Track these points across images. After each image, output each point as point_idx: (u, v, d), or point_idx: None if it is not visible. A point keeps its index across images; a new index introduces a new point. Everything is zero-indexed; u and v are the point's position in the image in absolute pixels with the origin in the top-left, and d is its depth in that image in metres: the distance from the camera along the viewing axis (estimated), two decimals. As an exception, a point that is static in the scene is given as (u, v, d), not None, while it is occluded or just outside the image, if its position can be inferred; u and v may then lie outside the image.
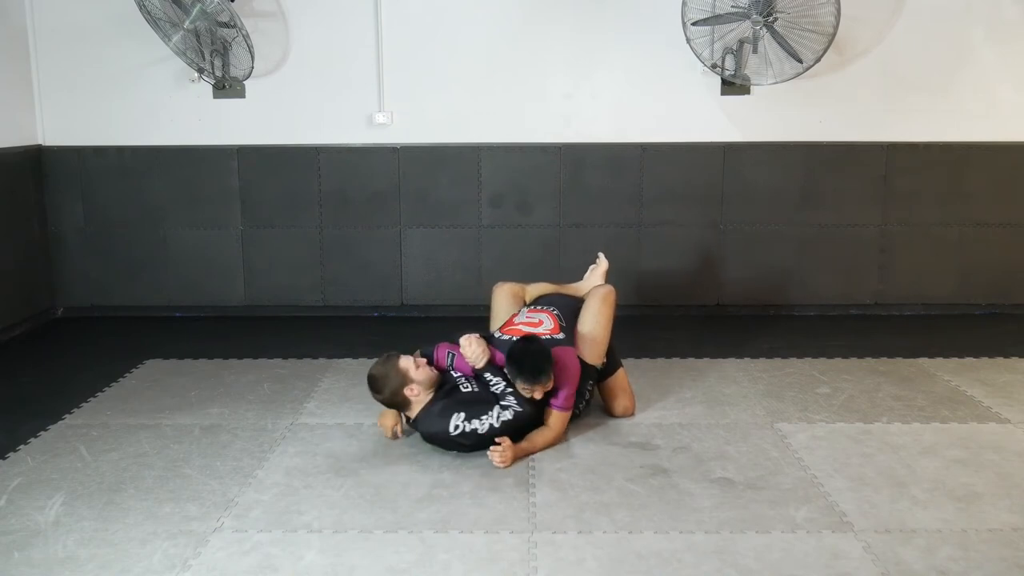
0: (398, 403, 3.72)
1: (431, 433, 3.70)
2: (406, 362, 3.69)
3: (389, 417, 3.86)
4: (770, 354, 5.02)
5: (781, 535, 3.05)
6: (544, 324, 3.96)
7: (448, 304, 5.95)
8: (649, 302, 5.93)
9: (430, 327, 5.69)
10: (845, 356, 4.98)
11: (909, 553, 2.94)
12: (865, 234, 5.87)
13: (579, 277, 5.93)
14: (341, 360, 4.96)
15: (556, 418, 3.78)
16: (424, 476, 3.52)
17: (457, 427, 3.60)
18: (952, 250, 5.89)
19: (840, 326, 5.66)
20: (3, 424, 4.06)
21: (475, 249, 5.90)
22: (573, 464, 3.62)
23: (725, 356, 5.01)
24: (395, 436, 3.85)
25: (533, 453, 3.70)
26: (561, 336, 3.90)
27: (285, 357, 5.01)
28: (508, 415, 3.63)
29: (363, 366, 4.83)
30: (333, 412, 4.20)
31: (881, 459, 3.65)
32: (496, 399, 3.67)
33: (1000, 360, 4.91)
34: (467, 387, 3.75)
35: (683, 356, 5.00)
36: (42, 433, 3.95)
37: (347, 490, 3.40)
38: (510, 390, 3.68)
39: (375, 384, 3.71)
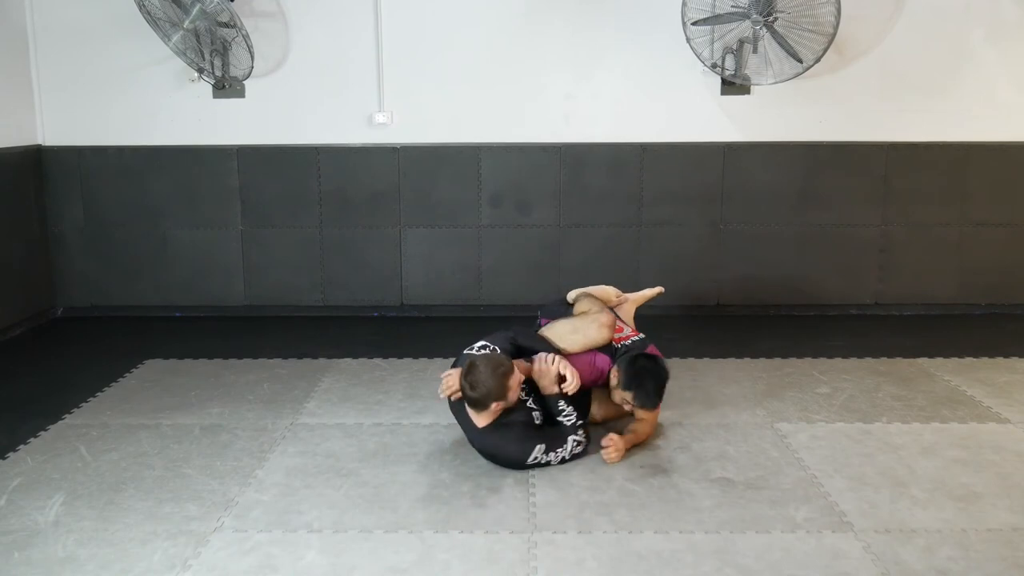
0: (480, 405, 3.47)
1: (499, 453, 3.55)
2: (516, 380, 3.47)
3: (456, 376, 3.57)
4: (770, 354, 5.02)
5: (781, 535, 3.05)
6: (624, 329, 4.04)
7: (448, 304, 5.95)
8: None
9: (430, 327, 5.70)
10: (845, 356, 4.98)
11: (909, 553, 2.94)
12: (865, 234, 5.87)
13: (579, 277, 5.95)
14: (341, 360, 4.96)
15: (653, 413, 3.85)
16: (424, 476, 3.52)
17: (535, 458, 3.51)
18: (952, 250, 5.88)
19: (840, 326, 5.66)
20: (3, 424, 4.06)
21: (475, 249, 5.90)
22: (573, 464, 3.62)
23: (725, 356, 5.01)
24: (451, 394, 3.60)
25: (639, 443, 3.77)
26: (644, 335, 4.02)
27: (285, 357, 5.01)
28: (579, 449, 3.63)
29: (363, 366, 4.86)
30: (333, 412, 4.20)
31: (881, 459, 3.65)
32: (569, 431, 3.62)
33: (1000, 360, 4.91)
34: (539, 417, 3.65)
35: (683, 356, 4.99)
36: (42, 433, 3.95)
37: (347, 490, 3.40)
38: (580, 422, 3.68)
39: (474, 379, 3.42)
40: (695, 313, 5.91)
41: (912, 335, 5.44)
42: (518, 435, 3.54)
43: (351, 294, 5.97)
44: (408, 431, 3.94)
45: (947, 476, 3.50)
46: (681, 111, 5.73)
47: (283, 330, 5.65)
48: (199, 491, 3.40)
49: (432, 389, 4.46)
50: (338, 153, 5.81)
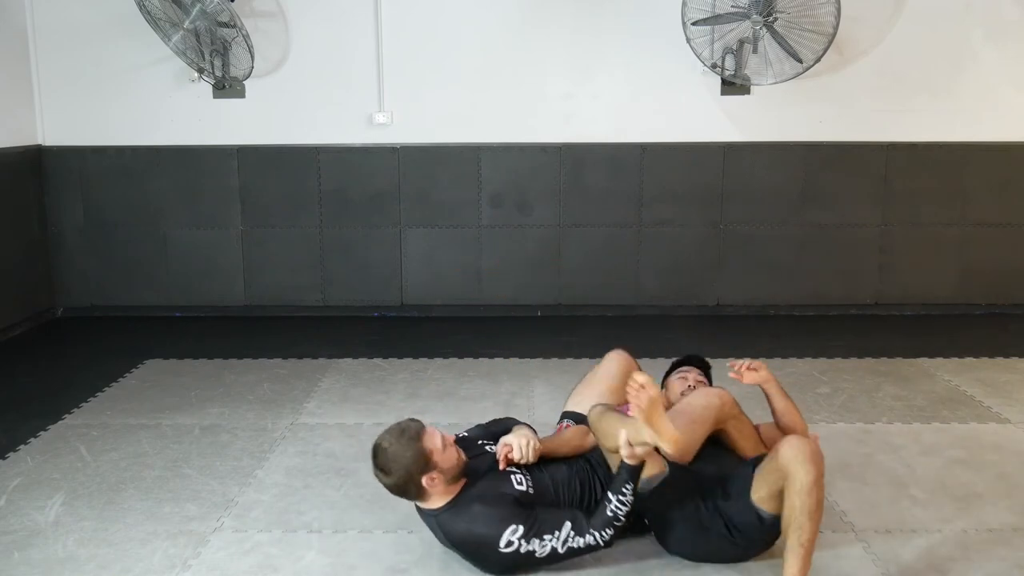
0: (408, 492, 2.79)
1: (469, 539, 2.75)
2: (431, 440, 2.73)
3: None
4: (770, 354, 5.02)
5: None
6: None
7: (448, 304, 5.95)
8: (649, 302, 5.93)
9: (430, 327, 5.69)
10: (845, 356, 4.98)
11: (909, 553, 2.93)
12: (865, 234, 5.87)
13: (578, 276, 5.95)
14: (341, 360, 4.96)
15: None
16: (424, 476, 3.51)
17: (510, 543, 2.67)
18: (952, 250, 5.88)
19: (840, 326, 5.66)
20: (3, 424, 4.05)
21: (475, 249, 5.89)
22: (573, 464, 3.61)
23: (725, 356, 4.99)
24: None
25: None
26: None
27: (285, 357, 5.01)
28: (584, 543, 2.69)
29: (363, 366, 4.85)
30: (333, 412, 4.20)
31: (881, 459, 3.65)
32: (600, 521, 2.70)
33: (1000, 360, 4.91)
34: (527, 485, 2.83)
35: (683, 356, 4.99)
36: (42, 433, 3.95)
37: (347, 490, 3.40)
38: (624, 522, 2.70)
39: (383, 461, 2.75)
40: (695, 313, 5.91)
41: (912, 335, 5.44)
42: (490, 507, 2.73)
43: (351, 294, 5.97)
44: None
45: (947, 476, 3.49)
46: (681, 111, 5.73)
47: (283, 330, 5.65)
48: (199, 491, 3.40)
49: (432, 389, 4.47)
50: (338, 153, 5.80)
